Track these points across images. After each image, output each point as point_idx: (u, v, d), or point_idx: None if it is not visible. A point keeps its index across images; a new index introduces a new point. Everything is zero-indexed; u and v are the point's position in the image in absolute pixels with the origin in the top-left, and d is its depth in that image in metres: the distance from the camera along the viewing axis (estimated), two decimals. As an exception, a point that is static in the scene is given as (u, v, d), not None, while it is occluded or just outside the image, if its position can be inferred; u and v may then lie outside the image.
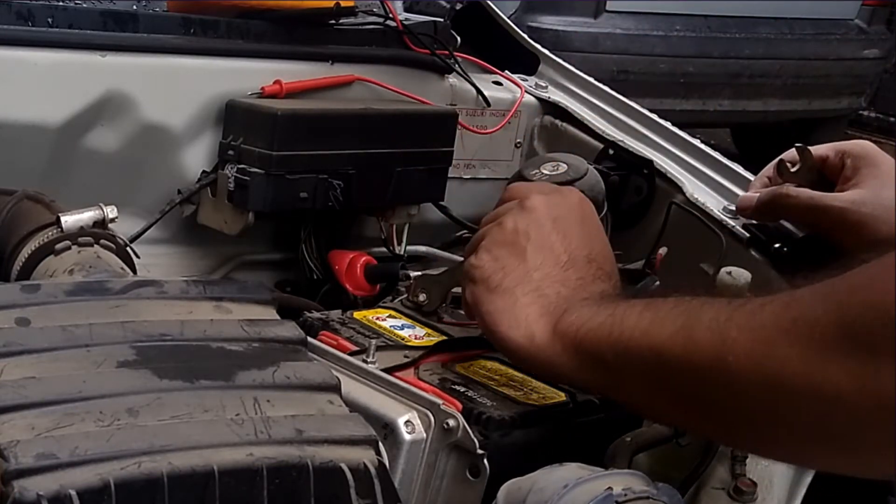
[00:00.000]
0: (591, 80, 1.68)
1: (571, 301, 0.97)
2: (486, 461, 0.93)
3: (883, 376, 0.69)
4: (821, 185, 1.27)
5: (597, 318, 0.92)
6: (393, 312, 1.24)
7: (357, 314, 1.22)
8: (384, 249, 1.48)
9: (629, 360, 0.88)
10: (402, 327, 1.20)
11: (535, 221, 1.04)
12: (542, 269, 1.01)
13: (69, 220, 1.09)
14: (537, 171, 1.34)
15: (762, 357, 0.77)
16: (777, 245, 1.32)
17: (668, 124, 1.58)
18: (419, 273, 1.30)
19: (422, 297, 1.24)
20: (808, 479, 1.03)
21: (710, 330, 0.82)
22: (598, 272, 1.02)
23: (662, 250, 1.27)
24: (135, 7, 1.38)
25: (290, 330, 0.93)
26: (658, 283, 1.21)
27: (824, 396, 0.73)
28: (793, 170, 1.28)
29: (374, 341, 1.10)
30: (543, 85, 1.68)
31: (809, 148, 1.28)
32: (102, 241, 1.09)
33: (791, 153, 1.29)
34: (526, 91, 1.65)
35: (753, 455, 1.00)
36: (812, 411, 0.74)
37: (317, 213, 1.38)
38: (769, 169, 1.36)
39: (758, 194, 1.32)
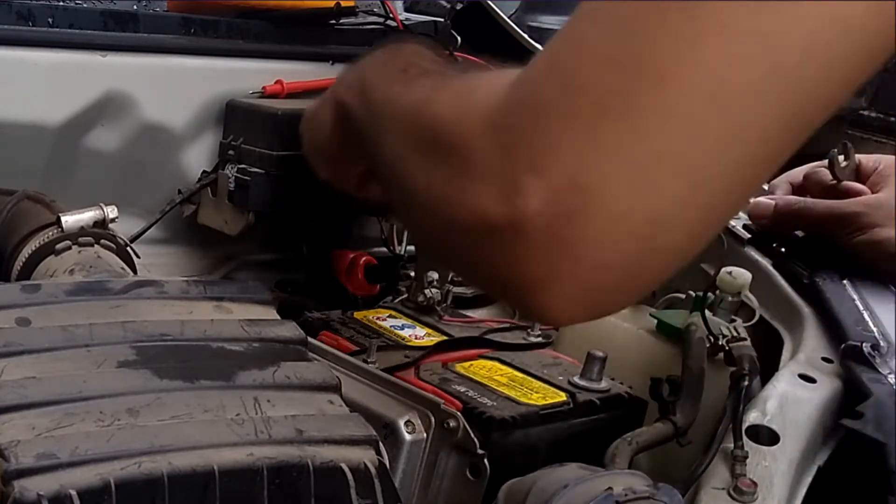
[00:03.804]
0: (592, 80, 1.67)
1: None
2: (486, 461, 0.93)
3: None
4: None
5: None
6: (393, 312, 1.24)
7: (357, 314, 1.22)
8: (384, 249, 1.48)
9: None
10: (402, 327, 1.20)
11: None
12: None
13: (69, 220, 1.09)
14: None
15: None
16: (777, 245, 1.32)
17: (668, 124, 1.58)
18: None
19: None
20: (809, 479, 1.03)
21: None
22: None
23: None
24: (135, 7, 1.38)
25: (291, 330, 0.93)
26: None
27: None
28: (843, 165, 1.30)
29: (374, 341, 1.10)
30: (543, 85, 1.67)
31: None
32: (103, 241, 1.09)
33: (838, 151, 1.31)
34: (526, 91, 1.64)
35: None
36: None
37: (317, 213, 1.38)
38: (795, 174, 1.35)
39: (773, 203, 1.32)
